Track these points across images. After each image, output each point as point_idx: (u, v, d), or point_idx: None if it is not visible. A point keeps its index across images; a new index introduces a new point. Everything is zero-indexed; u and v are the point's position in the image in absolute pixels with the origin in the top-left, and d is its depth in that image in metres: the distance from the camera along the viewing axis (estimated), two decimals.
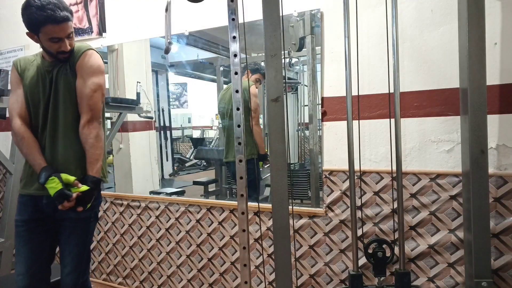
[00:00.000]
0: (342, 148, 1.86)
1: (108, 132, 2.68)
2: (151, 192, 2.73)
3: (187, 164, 5.95)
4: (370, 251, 1.65)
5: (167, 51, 2.05)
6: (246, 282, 1.40)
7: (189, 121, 7.77)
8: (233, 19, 1.32)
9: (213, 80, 4.38)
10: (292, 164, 3.66)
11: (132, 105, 2.77)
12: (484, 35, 1.31)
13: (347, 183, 1.88)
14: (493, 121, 1.60)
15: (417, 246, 1.77)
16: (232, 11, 1.32)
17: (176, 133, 6.98)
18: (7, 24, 3.06)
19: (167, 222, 2.41)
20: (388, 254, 1.65)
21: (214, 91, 4.20)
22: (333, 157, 1.92)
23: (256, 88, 2.86)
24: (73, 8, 2.69)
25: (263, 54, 1.28)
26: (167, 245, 2.43)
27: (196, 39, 3.10)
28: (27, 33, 1.54)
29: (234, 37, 1.32)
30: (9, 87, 2.47)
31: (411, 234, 1.78)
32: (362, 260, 1.76)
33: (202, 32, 2.32)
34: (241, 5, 1.37)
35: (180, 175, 5.41)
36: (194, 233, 2.33)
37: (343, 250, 1.93)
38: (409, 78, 1.74)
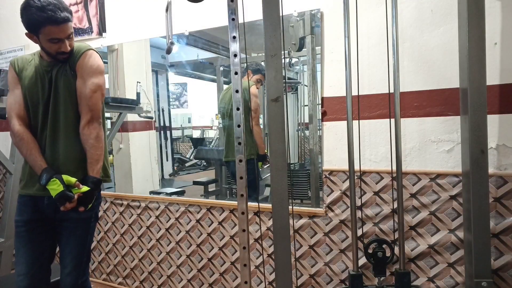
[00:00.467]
0: (342, 148, 1.86)
1: (108, 132, 2.68)
2: (151, 192, 2.73)
3: (187, 164, 5.95)
4: (370, 251, 1.65)
5: (168, 51, 2.05)
6: (246, 282, 1.40)
7: (189, 121, 7.77)
8: (233, 19, 1.32)
9: (213, 80, 4.38)
10: (292, 164, 3.66)
11: (132, 105, 2.77)
12: (484, 35, 1.31)
13: (347, 183, 1.88)
14: (493, 121, 1.60)
15: (417, 246, 1.77)
16: (232, 11, 1.32)
17: (176, 133, 6.98)
18: (7, 24, 3.06)
19: (167, 222, 2.41)
20: (388, 254, 1.65)
21: (214, 91, 4.20)
22: (333, 157, 1.92)
23: (257, 88, 2.86)
24: (73, 8, 2.69)
25: (263, 54, 1.28)
26: (167, 245, 2.43)
27: (196, 39, 3.10)
28: (26, 34, 1.52)
29: (234, 37, 1.32)
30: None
31: (411, 234, 1.78)
32: (362, 260, 1.76)
33: (202, 32, 2.32)
34: (241, 5, 1.37)
35: (180, 175, 5.41)
36: (194, 233, 2.33)
37: (343, 250, 1.93)
38: (409, 78, 1.74)
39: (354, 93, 1.71)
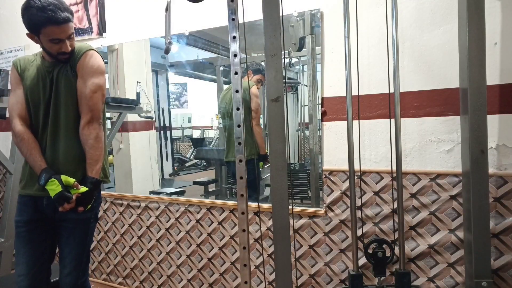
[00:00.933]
0: (342, 148, 1.86)
1: (108, 132, 2.68)
2: (151, 192, 2.73)
3: (187, 164, 5.96)
4: (370, 251, 1.65)
5: (167, 51, 2.05)
6: (246, 282, 1.40)
7: (189, 121, 7.77)
8: (233, 19, 1.32)
9: (213, 80, 4.38)
10: (292, 164, 3.66)
11: (132, 105, 2.77)
12: (484, 35, 1.31)
13: (347, 183, 1.88)
14: (493, 121, 1.60)
15: (417, 246, 1.77)
16: (232, 11, 1.32)
17: (176, 133, 6.99)
18: (7, 24, 3.06)
19: (167, 222, 2.41)
20: (388, 254, 1.65)
21: (214, 91, 4.20)
22: (333, 157, 1.92)
23: (258, 88, 2.86)
24: (73, 8, 2.69)
25: (263, 54, 1.28)
26: (167, 245, 2.43)
27: (196, 39, 3.10)
28: (27, 34, 1.53)
29: (234, 37, 1.32)
30: (9, 87, 2.49)
31: (411, 234, 1.78)
32: (362, 260, 1.76)
33: (202, 32, 2.32)
34: (241, 5, 1.36)
35: (180, 175, 5.42)
36: (194, 233, 2.33)
37: (343, 250, 1.93)
38: (409, 78, 1.74)
39: (354, 93, 1.71)
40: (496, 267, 1.64)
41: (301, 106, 4.05)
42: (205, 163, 5.39)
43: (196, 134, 7.75)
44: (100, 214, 2.64)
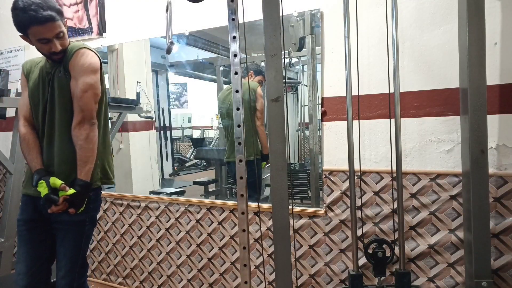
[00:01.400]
0: (342, 148, 1.86)
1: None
2: (151, 192, 2.73)
3: (187, 164, 5.96)
4: (370, 251, 1.65)
5: (168, 51, 2.05)
6: (246, 282, 1.40)
7: (189, 121, 7.77)
8: (233, 19, 1.32)
9: (213, 80, 4.38)
10: (292, 164, 3.66)
11: (132, 105, 2.77)
12: (484, 35, 1.31)
13: (347, 183, 1.88)
14: (493, 121, 1.60)
15: (417, 246, 1.77)
16: (232, 11, 1.32)
17: (176, 133, 6.99)
18: (7, 24, 3.04)
19: (167, 222, 2.41)
20: (388, 254, 1.65)
21: (214, 91, 4.20)
22: (333, 157, 1.92)
23: None
24: (73, 8, 2.69)
25: (263, 54, 1.28)
26: (167, 245, 2.43)
27: (196, 39, 3.10)
28: (20, 36, 1.51)
29: (234, 37, 1.32)
30: (9, 87, 2.50)
31: (411, 234, 1.78)
32: (362, 260, 1.76)
33: (202, 32, 2.32)
34: (241, 5, 1.37)
35: (180, 175, 5.42)
36: (194, 233, 2.33)
37: (343, 250, 1.93)
38: (409, 78, 1.74)
39: (354, 93, 1.71)
40: (496, 267, 1.64)
41: (301, 106, 4.05)
42: (205, 163, 5.39)
43: (196, 134, 7.75)
44: (100, 214, 2.64)
